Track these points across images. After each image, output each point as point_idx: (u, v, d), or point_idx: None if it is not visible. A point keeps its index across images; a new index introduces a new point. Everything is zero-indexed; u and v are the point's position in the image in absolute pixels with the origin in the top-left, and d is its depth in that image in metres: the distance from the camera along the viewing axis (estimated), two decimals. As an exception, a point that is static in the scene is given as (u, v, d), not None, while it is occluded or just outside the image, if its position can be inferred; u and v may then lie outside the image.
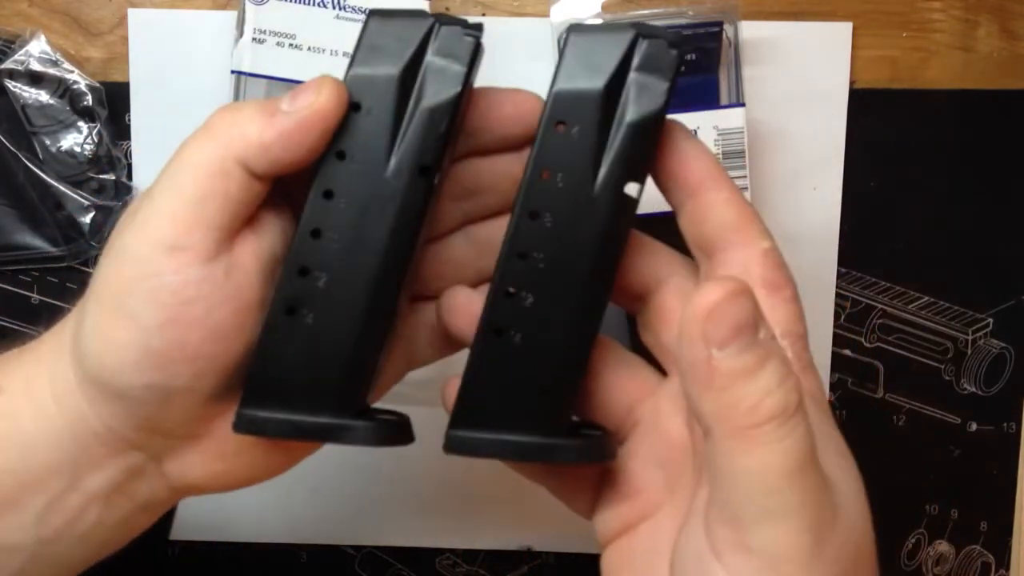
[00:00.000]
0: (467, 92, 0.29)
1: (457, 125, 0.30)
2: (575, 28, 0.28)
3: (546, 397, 0.29)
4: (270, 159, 0.28)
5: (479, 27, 0.29)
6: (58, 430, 0.28)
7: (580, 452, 0.29)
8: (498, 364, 0.29)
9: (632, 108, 0.28)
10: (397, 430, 0.30)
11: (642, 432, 0.30)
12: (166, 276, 0.27)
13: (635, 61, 0.28)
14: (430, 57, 0.29)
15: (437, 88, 0.29)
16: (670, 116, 0.29)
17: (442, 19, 0.29)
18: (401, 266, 0.29)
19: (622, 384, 0.31)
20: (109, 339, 0.27)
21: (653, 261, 0.30)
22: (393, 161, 0.29)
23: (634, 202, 0.29)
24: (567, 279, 0.28)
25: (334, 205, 0.29)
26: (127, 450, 0.29)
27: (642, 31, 0.28)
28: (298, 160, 0.28)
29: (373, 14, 0.29)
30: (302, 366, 0.29)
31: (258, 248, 0.29)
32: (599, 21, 0.44)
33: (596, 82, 0.28)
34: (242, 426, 0.29)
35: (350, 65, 0.29)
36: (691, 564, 0.25)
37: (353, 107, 0.29)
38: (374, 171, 0.29)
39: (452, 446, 0.29)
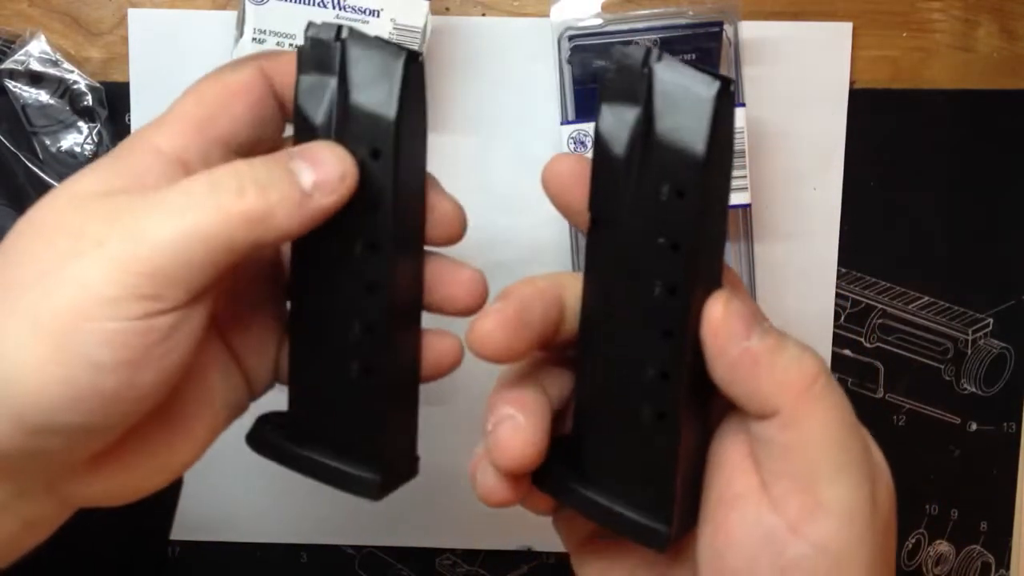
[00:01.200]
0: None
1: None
2: (663, 62, 0.26)
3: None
4: (280, 242, 0.27)
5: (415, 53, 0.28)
6: None
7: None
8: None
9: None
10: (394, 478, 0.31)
11: None
12: (134, 322, 0.24)
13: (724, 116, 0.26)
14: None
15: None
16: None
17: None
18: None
19: None
20: (48, 376, 0.24)
21: None
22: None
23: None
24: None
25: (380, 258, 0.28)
26: (16, 475, 0.27)
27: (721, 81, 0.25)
28: (293, 237, 0.27)
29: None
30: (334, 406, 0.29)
31: (215, 288, 0.27)
32: (599, 21, 0.44)
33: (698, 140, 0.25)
34: (258, 444, 0.30)
35: (402, 112, 0.28)
36: (764, 550, 0.26)
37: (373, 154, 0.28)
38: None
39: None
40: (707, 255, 0.26)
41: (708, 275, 0.27)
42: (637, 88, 0.26)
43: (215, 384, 0.30)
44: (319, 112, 0.28)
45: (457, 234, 0.31)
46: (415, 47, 0.43)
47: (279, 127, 0.30)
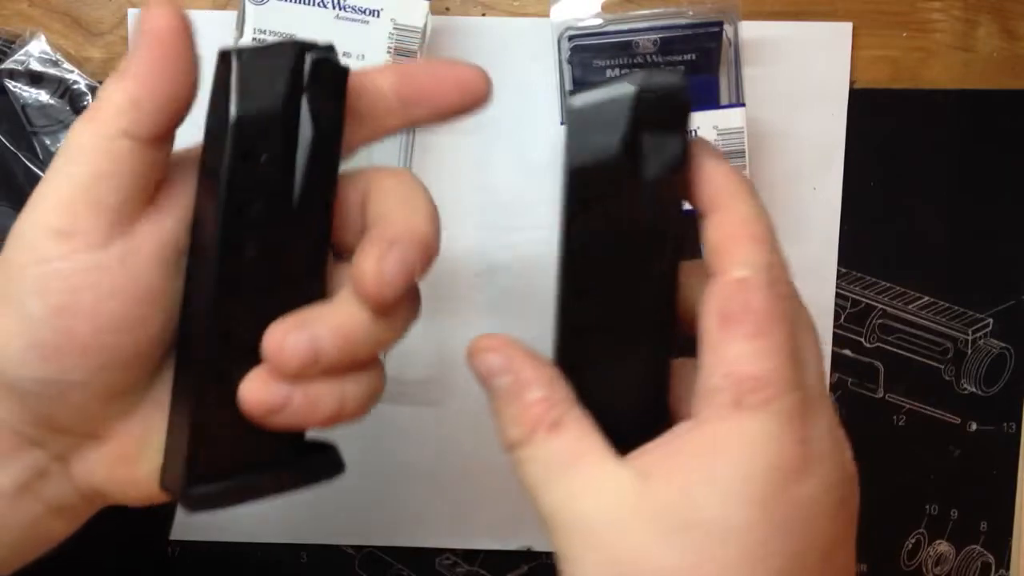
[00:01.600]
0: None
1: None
2: (574, 97, 0.28)
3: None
4: (147, 114, 0.26)
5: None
6: None
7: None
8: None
9: (651, 167, 0.27)
10: (329, 465, 0.30)
11: None
12: (54, 263, 0.25)
13: (642, 119, 0.27)
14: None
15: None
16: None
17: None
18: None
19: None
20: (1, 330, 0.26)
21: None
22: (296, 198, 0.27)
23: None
24: (634, 333, 0.29)
25: (246, 261, 0.27)
26: (28, 447, 0.28)
27: (642, 84, 0.27)
28: (173, 100, 0.26)
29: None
30: (241, 430, 0.28)
31: (158, 232, 0.27)
32: (599, 21, 0.44)
33: (609, 151, 0.27)
34: (197, 505, 0.28)
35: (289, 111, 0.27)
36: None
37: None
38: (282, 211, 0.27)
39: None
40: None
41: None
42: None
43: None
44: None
45: (480, 97, 0.30)
46: (415, 47, 0.43)
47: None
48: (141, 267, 0.26)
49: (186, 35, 0.26)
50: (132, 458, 0.29)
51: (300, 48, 0.27)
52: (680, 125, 0.27)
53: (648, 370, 0.29)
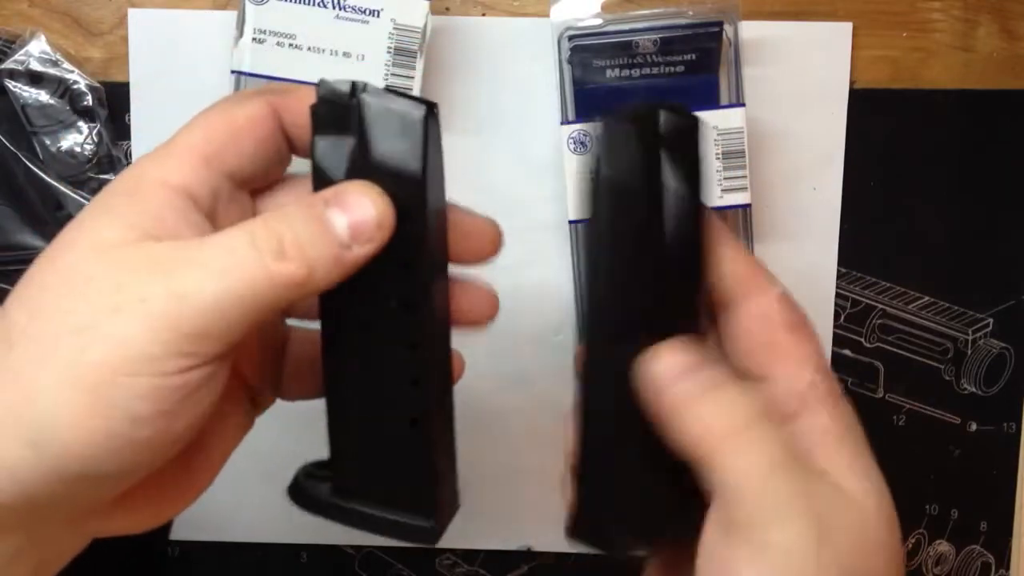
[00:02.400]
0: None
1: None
2: (604, 120, 0.28)
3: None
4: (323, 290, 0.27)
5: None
6: None
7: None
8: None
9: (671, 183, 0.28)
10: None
11: None
12: (171, 377, 0.25)
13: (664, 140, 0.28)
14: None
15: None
16: None
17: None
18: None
19: None
20: (86, 427, 0.24)
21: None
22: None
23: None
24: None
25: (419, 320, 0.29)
26: (42, 521, 0.27)
27: (665, 114, 0.28)
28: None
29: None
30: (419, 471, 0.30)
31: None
32: (599, 21, 0.44)
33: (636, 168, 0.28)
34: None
35: (425, 166, 0.27)
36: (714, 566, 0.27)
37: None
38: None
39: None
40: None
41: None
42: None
43: (228, 410, 0.30)
44: (339, 170, 0.27)
45: (492, 251, 0.31)
46: (415, 47, 0.43)
47: (285, 162, 0.30)
48: (228, 367, 0.27)
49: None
50: (140, 506, 0.28)
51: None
52: (694, 147, 0.29)
53: None
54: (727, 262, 0.30)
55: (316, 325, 0.30)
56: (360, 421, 0.29)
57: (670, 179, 0.28)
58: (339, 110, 0.27)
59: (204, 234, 0.27)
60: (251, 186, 0.29)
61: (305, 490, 0.30)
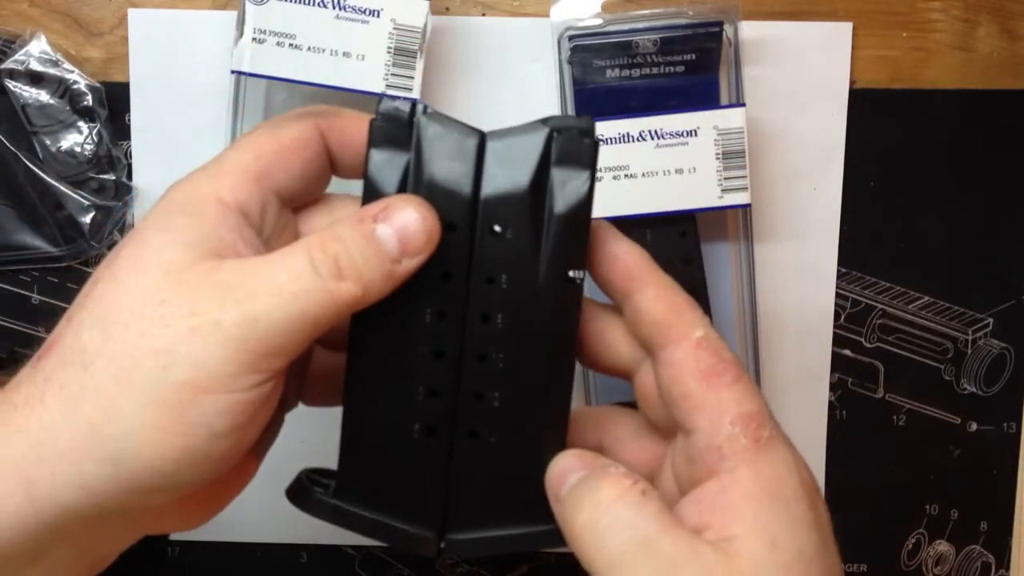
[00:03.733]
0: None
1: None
2: (491, 134, 0.29)
3: (530, 490, 0.30)
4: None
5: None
6: (28, 527, 0.26)
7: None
8: (478, 465, 0.30)
9: (559, 201, 0.29)
10: None
11: (662, 495, 0.31)
12: (247, 392, 0.26)
13: (553, 156, 0.29)
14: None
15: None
16: (597, 219, 0.30)
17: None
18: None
19: (638, 455, 0.32)
20: (168, 444, 0.26)
21: (627, 340, 0.31)
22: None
23: (579, 285, 0.29)
24: (530, 371, 0.30)
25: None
26: (107, 523, 0.28)
27: (555, 126, 0.29)
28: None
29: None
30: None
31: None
32: (599, 21, 0.44)
33: (520, 183, 0.29)
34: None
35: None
36: None
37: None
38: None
39: (453, 549, 0.30)
40: (478, 283, 0.29)
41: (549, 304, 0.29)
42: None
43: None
44: (390, 184, 0.29)
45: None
46: (415, 47, 0.43)
47: (326, 181, 0.32)
48: (289, 378, 0.29)
49: None
50: (207, 501, 0.30)
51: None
52: (588, 165, 0.29)
53: (554, 409, 0.30)
54: (646, 303, 0.30)
55: (339, 355, 0.31)
56: (375, 424, 0.30)
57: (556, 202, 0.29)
58: (396, 128, 0.29)
59: (258, 249, 0.28)
60: (295, 203, 0.31)
61: (305, 491, 0.30)
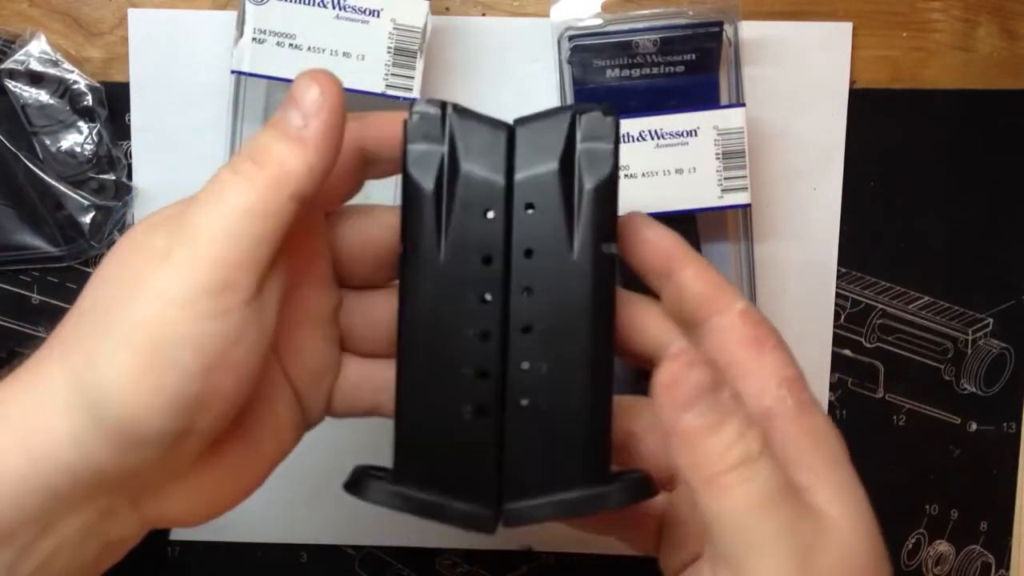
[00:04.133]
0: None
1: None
2: (519, 121, 0.31)
3: (582, 452, 0.31)
4: (316, 179, 0.28)
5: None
6: (32, 488, 0.26)
7: (624, 494, 0.30)
8: (532, 433, 0.31)
9: (588, 175, 0.30)
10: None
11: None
12: (213, 320, 0.26)
13: (579, 135, 0.31)
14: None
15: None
16: (629, 210, 0.32)
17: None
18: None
19: (661, 442, 0.32)
20: (140, 385, 0.26)
21: (654, 324, 0.33)
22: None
23: (612, 257, 0.31)
24: (572, 341, 0.31)
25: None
26: (107, 493, 0.28)
27: (578, 109, 0.31)
28: (331, 167, 0.29)
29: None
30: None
31: (280, 278, 0.29)
32: (599, 21, 0.44)
33: (551, 163, 0.30)
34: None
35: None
36: None
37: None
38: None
39: (510, 520, 0.31)
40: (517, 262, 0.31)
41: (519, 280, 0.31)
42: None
43: (279, 409, 0.32)
44: (428, 178, 0.30)
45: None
46: (415, 47, 0.43)
47: (360, 183, 0.33)
48: (270, 316, 0.28)
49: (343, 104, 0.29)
50: (206, 489, 0.30)
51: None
52: (612, 141, 0.31)
53: (595, 395, 0.31)
54: (688, 281, 0.31)
55: (372, 363, 0.34)
56: (427, 411, 0.31)
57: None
58: (429, 124, 0.31)
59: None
60: (327, 207, 0.32)
61: (364, 481, 0.31)
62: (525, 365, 0.31)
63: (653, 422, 0.33)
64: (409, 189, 0.31)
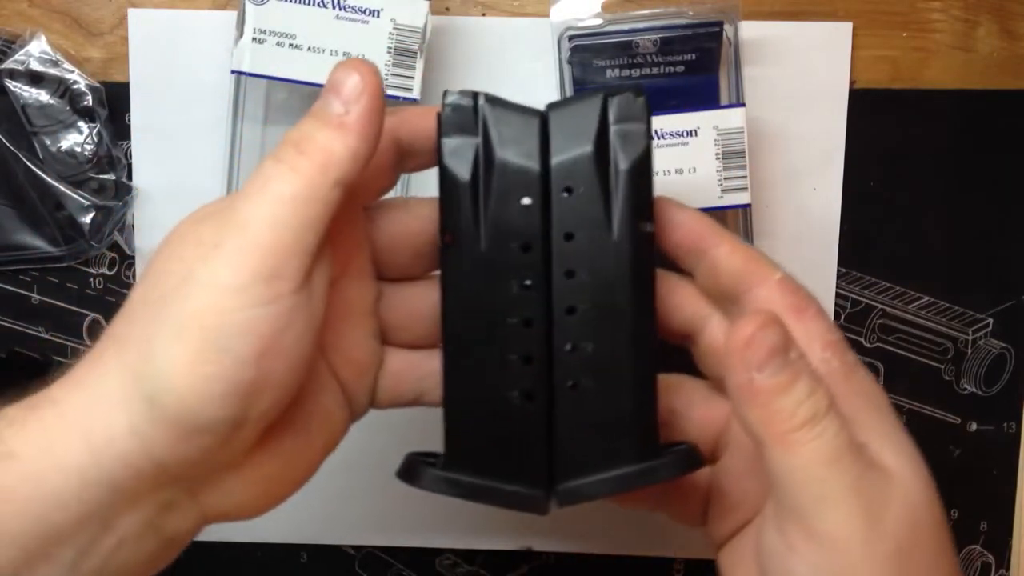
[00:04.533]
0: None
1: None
2: (551, 106, 0.32)
3: (632, 428, 0.31)
4: (360, 165, 0.29)
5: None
6: (94, 482, 0.27)
7: (674, 466, 0.31)
8: (581, 412, 0.31)
9: (622, 156, 0.31)
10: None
11: (732, 450, 0.34)
12: (265, 307, 0.27)
13: (611, 117, 0.31)
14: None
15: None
16: (657, 194, 0.32)
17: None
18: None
19: (707, 415, 0.34)
20: (196, 374, 0.27)
21: (692, 301, 0.33)
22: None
23: (650, 235, 0.31)
24: (616, 319, 0.31)
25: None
26: (167, 485, 0.28)
27: (609, 91, 0.31)
28: (373, 151, 0.29)
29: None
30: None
31: (326, 267, 0.30)
32: (599, 21, 0.44)
33: (585, 146, 0.31)
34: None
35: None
36: (774, 561, 0.29)
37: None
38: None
39: (566, 498, 0.31)
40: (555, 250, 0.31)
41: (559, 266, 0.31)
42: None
43: (327, 400, 0.32)
44: (464, 169, 0.31)
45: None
46: (415, 47, 0.43)
47: (396, 176, 0.34)
48: (319, 302, 0.29)
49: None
50: (261, 480, 0.30)
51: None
52: (644, 120, 0.31)
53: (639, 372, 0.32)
54: (724, 257, 0.32)
55: (413, 353, 0.34)
56: (475, 398, 0.31)
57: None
58: (463, 116, 0.31)
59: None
60: (364, 201, 0.33)
61: (417, 469, 0.32)
62: (569, 346, 0.31)
63: (693, 398, 0.34)
64: (446, 181, 0.31)
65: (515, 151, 0.31)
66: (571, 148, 0.31)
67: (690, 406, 0.34)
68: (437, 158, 0.31)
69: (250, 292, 0.27)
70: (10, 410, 0.28)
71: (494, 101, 0.31)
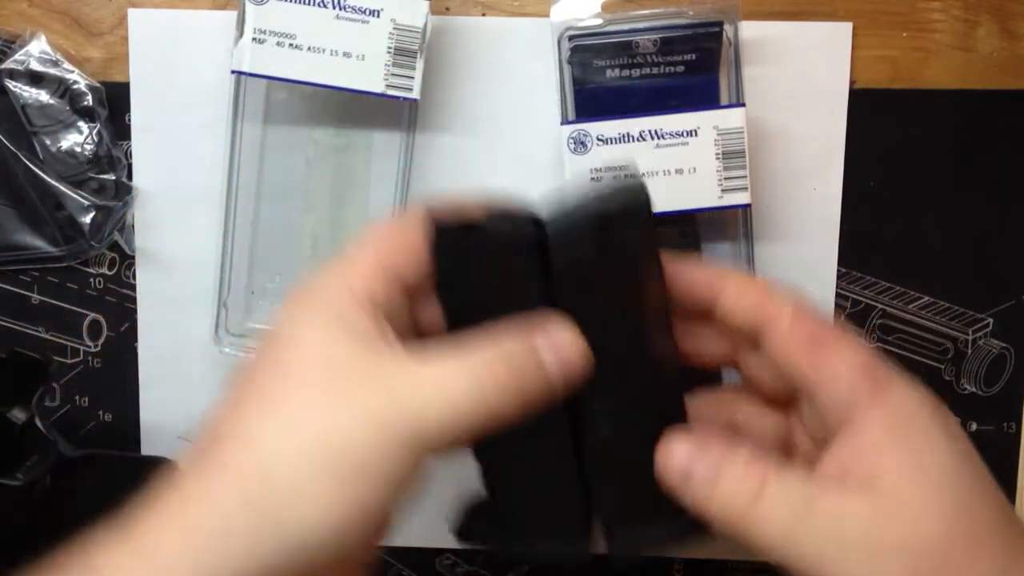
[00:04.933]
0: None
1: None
2: (549, 216, 0.31)
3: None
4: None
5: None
6: None
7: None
8: (616, 473, 0.32)
9: (619, 268, 0.31)
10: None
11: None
12: (399, 475, 0.28)
13: (609, 223, 0.31)
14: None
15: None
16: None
17: (602, 194, 0.31)
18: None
19: (766, 426, 0.34)
20: (326, 506, 0.27)
21: (715, 342, 0.34)
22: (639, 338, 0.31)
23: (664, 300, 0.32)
24: (646, 390, 0.32)
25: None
26: None
27: (602, 193, 0.31)
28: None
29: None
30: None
31: None
32: (599, 21, 0.44)
33: (587, 255, 0.31)
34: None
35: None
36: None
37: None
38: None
39: (619, 547, 0.32)
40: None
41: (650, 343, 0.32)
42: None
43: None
44: (462, 300, 0.31)
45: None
46: (415, 47, 0.43)
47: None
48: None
49: None
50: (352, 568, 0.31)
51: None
52: (645, 216, 0.32)
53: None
54: (732, 302, 0.32)
55: None
56: (511, 474, 0.32)
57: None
58: (453, 241, 0.31)
59: (387, 336, 0.30)
60: (413, 292, 0.33)
61: (470, 530, 0.33)
62: (603, 412, 0.31)
63: (756, 406, 0.35)
64: (451, 305, 0.31)
65: (513, 271, 0.31)
66: (572, 261, 0.31)
67: (751, 417, 0.35)
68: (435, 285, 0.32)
69: (391, 466, 0.28)
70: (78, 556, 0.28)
71: (492, 217, 0.31)
